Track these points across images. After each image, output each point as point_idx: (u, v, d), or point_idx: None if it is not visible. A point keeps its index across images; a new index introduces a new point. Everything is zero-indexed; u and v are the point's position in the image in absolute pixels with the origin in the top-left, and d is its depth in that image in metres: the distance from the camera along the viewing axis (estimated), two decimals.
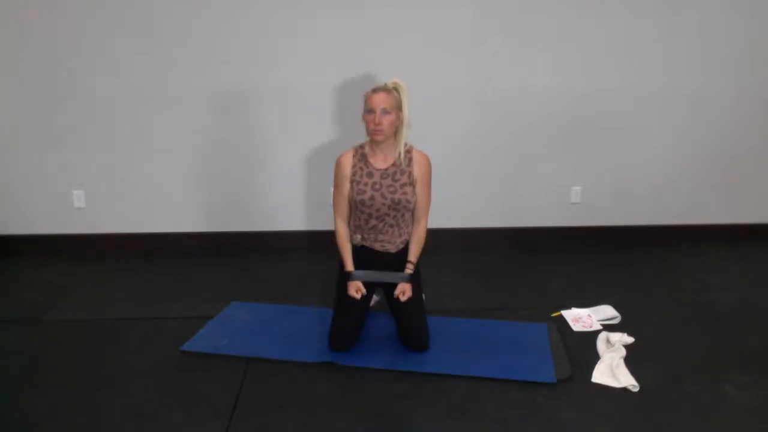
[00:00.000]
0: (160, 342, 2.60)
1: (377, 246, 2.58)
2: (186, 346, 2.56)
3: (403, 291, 2.52)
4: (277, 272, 3.42)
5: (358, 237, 2.60)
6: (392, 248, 2.59)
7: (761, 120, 3.78)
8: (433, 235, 3.75)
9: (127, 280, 3.29)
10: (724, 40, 3.61)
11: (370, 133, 2.45)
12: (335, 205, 2.61)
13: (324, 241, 3.77)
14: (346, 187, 2.54)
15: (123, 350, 2.55)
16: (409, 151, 2.54)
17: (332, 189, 2.63)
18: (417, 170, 2.53)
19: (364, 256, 2.59)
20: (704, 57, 3.63)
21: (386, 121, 2.40)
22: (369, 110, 2.41)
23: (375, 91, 2.42)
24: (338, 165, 2.56)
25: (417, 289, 2.60)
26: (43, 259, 3.58)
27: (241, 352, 2.51)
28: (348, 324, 2.52)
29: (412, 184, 2.52)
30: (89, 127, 3.51)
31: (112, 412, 2.13)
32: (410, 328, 2.53)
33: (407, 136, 2.52)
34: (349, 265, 2.57)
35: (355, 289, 2.52)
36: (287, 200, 3.71)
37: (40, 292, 3.12)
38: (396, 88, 2.44)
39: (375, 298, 2.91)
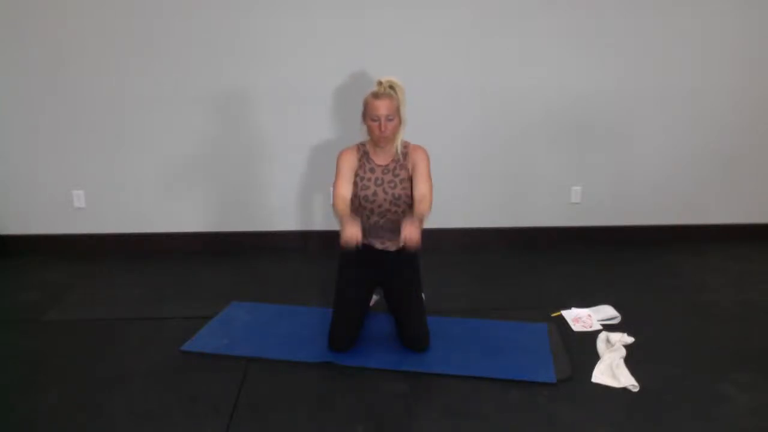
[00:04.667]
0: (160, 342, 2.61)
1: (377, 244, 2.58)
2: (186, 346, 2.56)
3: (409, 235, 2.28)
4: (277, 272, 3.42)
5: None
6: (392, 246, 2.59)
7: (761, 120, 3.77)
8: (433, 234, 3.78)
9: (127, 280, 3.29)
10: (724, 40, 3.61)
11: (375, 139, 2.48)
12: (337, 188, 2.51)
13: (324, 241, 3.78)
14: (352, 173, 2.53)
15: (123, 350, 2.55)
16: (406, 146, 2.58)
17: (333, 184, 2.58)
18: (413, 158, 2.55)
19: (364, 254, 2.59)
20: (704, 57, 3.63)
21: (390, 127, 2.46)
22: (373, 118, 2.44)
23: (376, 97, 2.44)
24: (343, 155, 2.56)
25: (417, 290, 2.60)
26: (43, 259, 3.58)
27: (241, 352, 2.51)
28: (347, 324, 2.52)
29: (410, 177, 2.54)
30: (89, 127, 3.51)
31: (112, 412, 2.13)
32: (410, 328, 2.53)
33: (404, 132, 2.56)
34: (348, 216, 2.39)
35: (352, 233, 2.28)
36: (287, 200, 3.71)
37: (40, 292, 3.13)
38: (393, 88, 2.48)
39: (375, 297, 2.92)
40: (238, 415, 2.11)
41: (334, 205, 2.54)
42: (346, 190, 2.53)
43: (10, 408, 2.15)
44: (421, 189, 2.54)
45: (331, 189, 2.63)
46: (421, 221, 2.41)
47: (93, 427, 2.05)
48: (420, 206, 2.50)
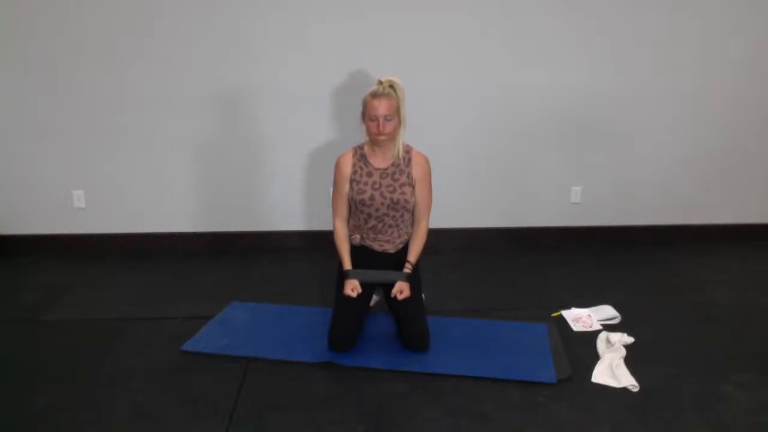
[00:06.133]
0: (160, 342, 2.61)
1: (376, 246, 2.58)
2: (186, 346, 2.56)
3: (401, 290, 2.50)
4: (277, 272, 3.42)
5: (357, 237, 2.60)
6: (391, 248, 2.59)
7: (761, 120, 3.77)
8: (433, 235, 3.75)
9: (127, 280, 3.29)
10: (725, 40, 3.60)
11: (373, 139, 2.47)
12: (334, 206, 2.61)
13: (324, 241, 3.77)
14: (346, 188, 2.55)
15: (123, 350, 2.55)
16: (408, 152, 2.55)
17: (331, 190, 2.63)
18: (416, 171, 2.54)
19: (363, 256, 2.59)
20: (705, 57, 3.63)
21: (389, 127, 2.43)
22: (371, 117, 2.42)
23: (375, 96, 2.41)
24: (338, 166, 2.57)
25: (417, 290, 2.60)
26: (43, 259, 3.58)
27: (241, 352, 2.51)
28: (347, 324, 2.52)
29: (411, 184, 2.52)
30: (89, 127, 3.51)
31: (112, 412, 2.13)
32: (410, 328, 2.53)
33: (404, 133, 2.54)
34: (347, 264, 2.57)
35: (351, 288, 2.50)
36: (287, 200, 3.71)
37: (40, 292, 3.13)
38: (393, 88, 2.44)
39: (375, 298, 2.92)
40: (238, 415, 2.11)
41: (334, 239, 2.63)
42: (342, 216, 2.62)
43: (10, 408, 2.15)
44: (422, 225, 2.61)
45: (331, 200, 2.64)
46: (413, 264, 2.58)
47: (93, 427, 2.05)
48: (417, 244, 2.60)
